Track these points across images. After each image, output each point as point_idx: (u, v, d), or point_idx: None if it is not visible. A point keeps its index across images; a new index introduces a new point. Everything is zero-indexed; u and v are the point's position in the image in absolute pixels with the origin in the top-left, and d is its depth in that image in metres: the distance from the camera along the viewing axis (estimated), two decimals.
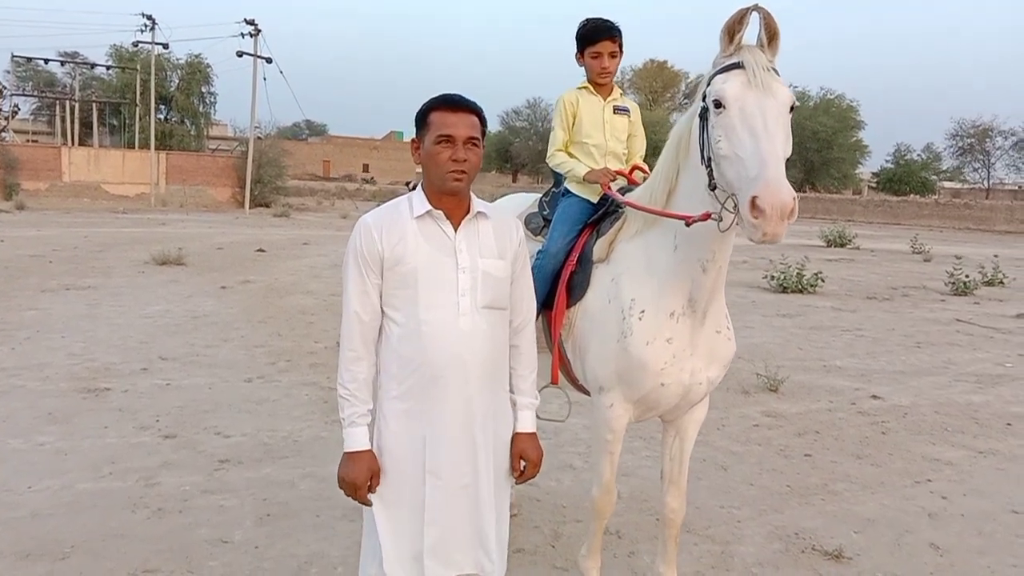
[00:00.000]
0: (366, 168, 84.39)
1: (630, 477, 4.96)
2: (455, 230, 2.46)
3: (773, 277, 14.19)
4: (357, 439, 2.39)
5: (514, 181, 77.95)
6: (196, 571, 3.66)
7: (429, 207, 2.43)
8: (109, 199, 38.72)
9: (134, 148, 45.20)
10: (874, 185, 70.25)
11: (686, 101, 68.32)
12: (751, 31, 2.61)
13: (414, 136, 2.51)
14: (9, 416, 5.74)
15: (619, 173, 3.45)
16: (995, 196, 60.75)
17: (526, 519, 4.30)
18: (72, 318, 9.53)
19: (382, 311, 2.44)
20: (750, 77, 2.48)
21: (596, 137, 3.56)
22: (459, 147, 2.38)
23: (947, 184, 69.54)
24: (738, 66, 2.52)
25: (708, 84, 2.62)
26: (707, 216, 2.70)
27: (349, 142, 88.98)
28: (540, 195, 3.87)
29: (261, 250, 18.30)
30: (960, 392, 7.58)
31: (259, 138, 41.69)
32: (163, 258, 14.86)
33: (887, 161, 69.03)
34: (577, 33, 3.54)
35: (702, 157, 2.67)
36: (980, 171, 66.59)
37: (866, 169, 71.56)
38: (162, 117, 53.97)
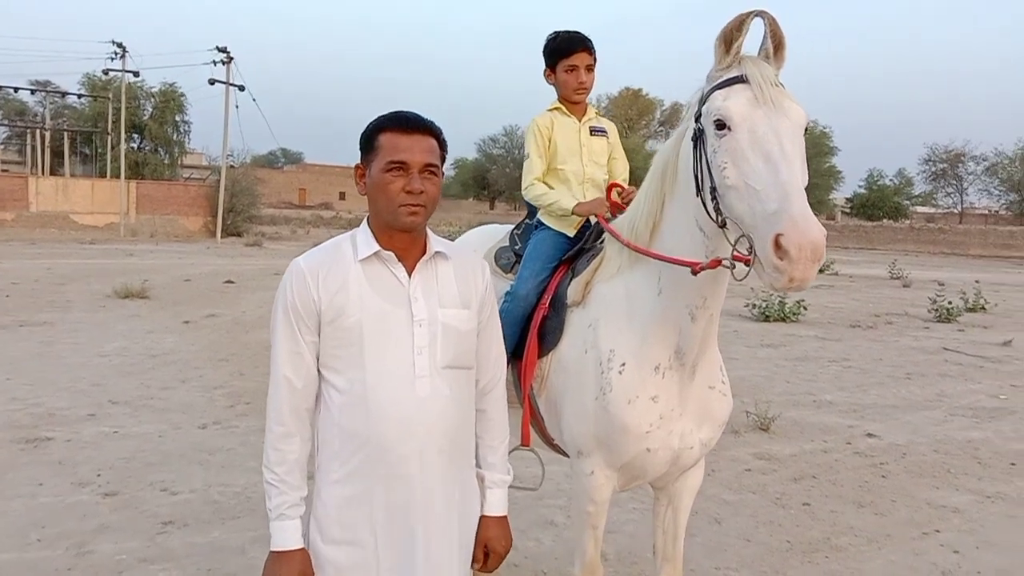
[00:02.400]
0: (343, 196, 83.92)
1: (615, 535, 4.53)
2: (409, 275, 2.04)
3: (755, 306, 13.87)
4: (287, 535, 1.95)
5: (491, 208, 77.82)
6: None
7: (377, 247, 2.02)
8: (77, 229, 37.89)
9: (106, 177, 44.45)
10: (848, 210, 70.82)
11: (661, 128, 68.72)
12: (750, 41, 2.24)
13: (358, 162, 2.10)
14: None
15: (615, 205, 3.03)
16: (968, 220, 61.40)
17: None
18: (22, 358, 8.98)
19: (319, 374, 2.02)
20: (757, 93, 2.10)
21: (573, 163, 3.16)
22: (414, 176, 1.98)
23: (920, 209, 70.26)
24: (740, 80, 2.14)
25: (704, 102, 2.23)
26: (717, 263, 2.28)
27: (325, 170, 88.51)
28: (512, 227, 3.46)
29: (230, 281, 17.75)
30: (958, 428, 7.23)
31: (232, 166, 41.15)
32: (126, 291, 14.28)
33: (860, 186, 69.73)
34: (546, 47, 3.16)
35: (698, 187, 2.27)
36: (953, 196, 67.40)
37: (840, 195, 72.18)
38: (135, 146, 53.26)
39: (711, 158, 2.17)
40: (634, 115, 79.55)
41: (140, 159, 52.12)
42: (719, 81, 2.21)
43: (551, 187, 3.18)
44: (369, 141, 2.05)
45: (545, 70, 3.17)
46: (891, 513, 5.10)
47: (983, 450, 6.57)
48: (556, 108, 3.19)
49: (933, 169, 65.90)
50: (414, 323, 2.01)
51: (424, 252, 2.08)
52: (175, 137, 57.65)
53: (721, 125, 2.12)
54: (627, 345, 2.62)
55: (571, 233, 3.08)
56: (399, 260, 2.04)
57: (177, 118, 56.88)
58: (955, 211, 66.65)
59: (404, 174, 1.99)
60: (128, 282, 14.74)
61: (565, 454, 3.02)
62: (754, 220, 2.01)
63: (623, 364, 2.61)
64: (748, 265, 2.13)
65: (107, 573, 3.94)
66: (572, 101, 3.15)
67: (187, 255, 26.78)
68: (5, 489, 4.98)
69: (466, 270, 2.16)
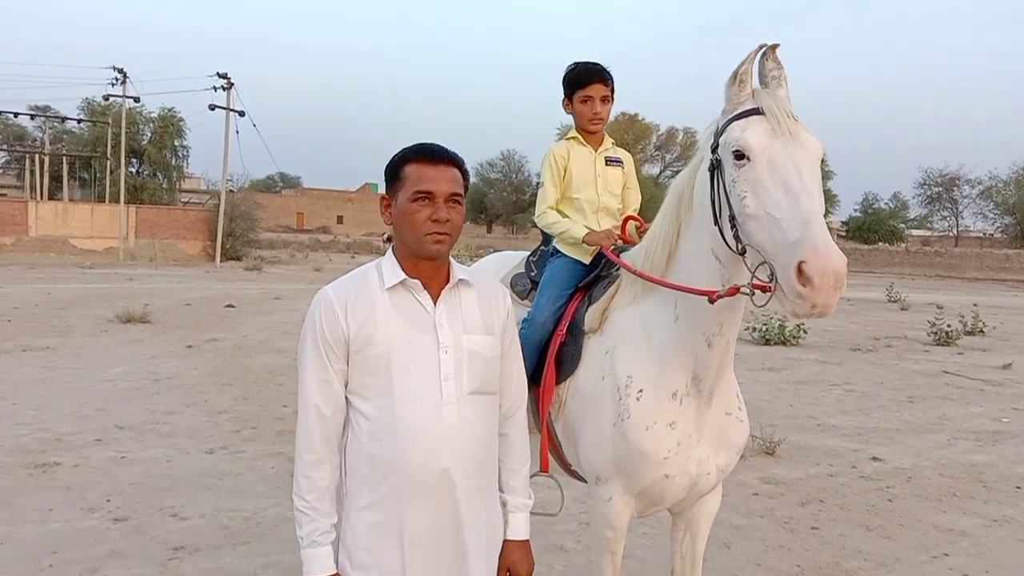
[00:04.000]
0: (340, 220, 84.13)
1: (627, 559, 4.52)
2: (434, 302, 2.09)
3: (755, 329, 13.90)
4: (320, 562, 1.97)
5: (488, 231, 77.97)
6: None
7: (403, 276, 2.07)
8: (77, 254, 37.91)
9: (105, 202, 44.53)
10: (843, 234, 71.04)
11: (657, 153, 69.05)
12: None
13: (384, 192, 2.15)
14: None
15: (622, 238, 3.09)
16: (963, 243, 61.66)
17: None
18: (26, 382, 8.98)
19: (347, 402, 2.06)
20: (774, 124, 2.15)
21: (588, 192, 3.21)
22: (440, 206, 2.03)
23: (915, 232, 70.51)
24: (757, 112, 2.20)
25: (720, 133, 2.29)
26: (735, 291, 2.32)
27: (323, 194, 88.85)
28: (527, 254, 3.51)
29: (230, 305, 17.77)
30: (961, 452, 7.25)
31: (231, 191, 41.25)
32: (127, 316, 14.29)
33: (855, 210, 69.94)
34: (565, 77, 3.22)
35: (716, 216, 2.32)
36: (948, 219, 67.66)
37: (835, 218, 72.41)
38: (134, 171, 53.40)
39: (730, 188, 2.22)
40: (630, 139, 79.94)
41: (138, 183, 52.26)
42: (736, 113, 2.26)
43: (565, 215, 3.23)
44: (395, 172, 2.10)
45: (564, 99, 3.23)
46: (899, 537, 5.12)
47: (988, 474, 6.59)
48: (573, 137, 3.25)
49: (928, 192, 66.24)
50: (440, 350, 2.05)
51: (448, 280, 2.13)
52: (174, 162, 57.85)
53: (740, 155, 2.17)
54: (644, 372, 2.66)
55: (587, 260, 3.12)
56: (424, 288, 2.09)
57: (176, 143, 57.11)
58: (951, 234, 66.95)
59: (430, 203, 2.03)
60: (129, 306, 14.74)
61: (583, 479, 3.05)
62: (775, 248, 2.05)
63: (641, 391, 2.64)
64: (766, 292, 2.17)
65: None
66: (588, 131, 3.21)
67: (187, 279, 26.79)
68: (15, 515, 4.98)
69: (488, 297, 2.20)
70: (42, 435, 6.83)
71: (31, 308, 16.20)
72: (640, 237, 3.09)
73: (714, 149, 2.32)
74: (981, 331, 16.14)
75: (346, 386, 2.05)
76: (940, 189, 65.10)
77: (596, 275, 3.05)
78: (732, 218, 2.21)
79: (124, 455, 6.33)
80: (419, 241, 2.04)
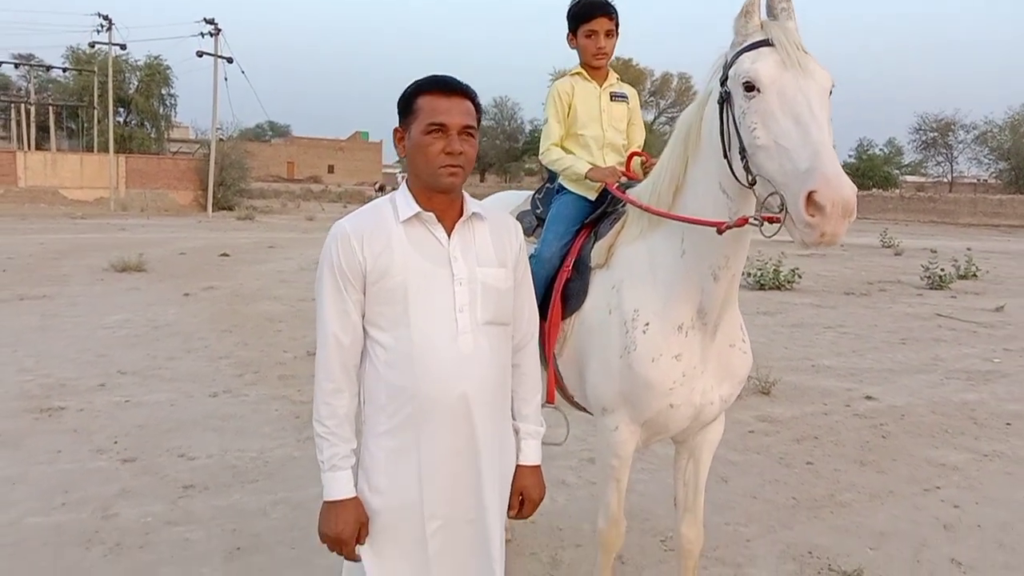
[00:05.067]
0: (331, 169, 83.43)
1: (628, 493, 4.59)
2: (448, 235, 2.11)
3: (750, 274, 13.97)
4: (340, 485, 2.03)
5: (482, 180, 77.48)
6: None
7: (418, 209, 2.08)
8: (67, 204, 37.61)
9: (93, 152, 44.04)
10: None
11: (651, 99, 68.32)
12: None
13: (397, 125, 2.15)
14: None
15: (625, 174, 3.10)
16: (957, 189, 61.64)
17: (522, 545, 3.96)
18: (25, 330, 9.00)
19: (365, 332, 2.09)
20: (784, 56, 2.15)
21: (593, 128, 3.21)
22: (453, 138, 2.04)
23: (910, 178, 70.37)
24: (767, 43, 2.19)
25: (730, 65, 2.28)
26: (744, 221, 2.34)
27: (314, 143, 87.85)
28: (532, 193, 3.52)
29: (225, 254, 17.73)
30: (954, 390, 7.38)
31: (221, 140, 40.84)
32: (123, 264, 14.27)
33: (850, 156, 69.65)
34: (569, 11, 3.19)
35: (725, 148, 2.33)
36: (943, 165, 67.51)
37: None
38: (121, 120, 52.73)
39: (739, 119, 2.22)
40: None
41: (127, 133, 51.68)
42: (745, 44, 2.25)
43: (570, 151, 3.23)
44: (408, 104, 2.09)
45: (568, 34, 3.20)
46: (892, 471, 5.24)
47: (979, 411, 6.71)
48: (577, 73, 3.24)
49: (923, 138, 65.93)
50: (455, 282, 2.08)
51: (461, 213, 2.14)
52: (161, 111, 57.16)
53: (750, 87, 2.17)
54: (651, 305, 2.70)
55: (592, 197, 3.14)
56: (439, 221, 2.11)
57: (163, 91, 56.34)
58: (945, 180, 66.84)
59: (443, 136, 2.04)
60: (124, 256, 14.70)
61: (586, 411, 3.11)
62: (785, 178, 2.06)
63: (647, 324, 2.68)
64: (774, 223, 2.19)
65: (134, 535, 4.02)
66: (592, 66, 3.20)
67: (179, 229, 26.67)
68: (25, 456, 5.05)
69: (501, 230, 2.22)
70: (45, 381, 6.89)
71: (24, 258, 16.14)
72: (645, 173, 3.10)
73: (723, 81, 2.32)
74: (974, 275, 16.27)
75: (363, 317, 2.08)
76: (935, 134, 64.80)
77: (602, 211, 3.07)
78: (742, 150, 2.22)
79: (128, 399, 6.40)
80: (433, 174, 2.05)
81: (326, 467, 2.04)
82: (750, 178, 2.22)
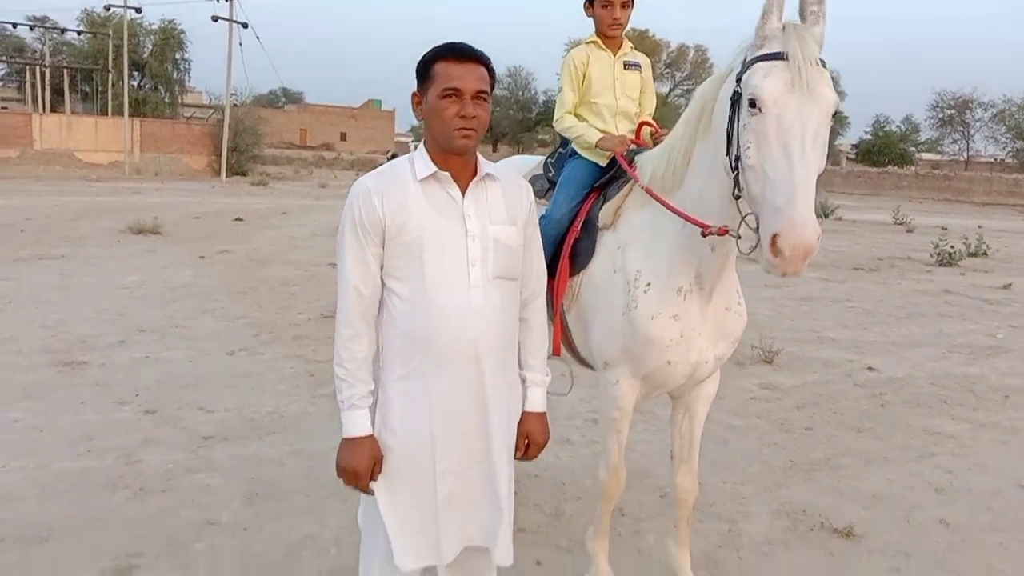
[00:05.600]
0: (343, 137, 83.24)
1: (629, 452, 4.73)
2: (462, 194, 2.24)
3: None
4: (358, 423, 2.19)
5: (494, 151, 77.24)
6: (182, 556, 3.46)
7: (434, 168, 2.21)
8: (82, 167, 37.86)
9: (107, 115, 44.19)
10: (852, 156, 70.37)
11: (667, 70, 67.77)
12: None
13: (415, 89, 2.28)
14: None
15: (635, 142, 3.23)
16: (973, 168, 61.11)
17: (526, 497, 4.13)
18: (45, 289, 9.21)
19: (382, 284, 2.24)
20: (794, 75, 2.18)
21: (606, 97, 3.33)
22: (467, 102, 2.16)
23: (925, 156, 69.80)
24: (781, 57, 2.22)
25: (745, 68, 2.32)
26: (725, 232, 2.51)
27: (326, 110, 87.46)
28: (544, 157, 3.65)
29: (239, 219, 17.92)
30: (955, 364, 7.50)
31: (235, 105, 40.89)
32: (138, 227, 14.47)
33: (866, 132, 69.17)
34: None
35: (728, 147, 2.41)
36: (959, 143, 66.91)
37: (845, 140, 71.61)
38: (135, 84, 52.77)
39: (741, 130, 2.31)
40: None
41: (140, 97, 51.72)
42: (762, 53, 2.28)
43: (583, 119, 3.35)
44: (425, 70, 2.22)
45: (584, 3, 3.31)
46: (889, 438, 5.39)
47: (979, 384, 6.84)
48: (592, 42, 3.34)
49: (940, 115, 65.30)
50: (468, 238, 2.22)
51: (475, 173, 2.27)
52: (175, 75, 57.13)
53: (753, 103, 2.24)
54: (652, 268, 2.84)
55: (603, 163, 3.26)
56: (454, 180, 2.24)
57: (177, 56, 56.29)
58: (960, 158, 66.28)
59: (458, 100, 2.16)
60: (139, 219, 14.91)
61: (590, 367, 3.26)
62: (762, 206, 2.20)
63: (648, 284, 2.82)
64: (733, 237, 2.41)
65: (156, 481, 4.22)
66: (607, 36, 3.30)
67: (193, 193, 26.87)
68: (50, 407, 5.25)
69: (512, 191, 2.35)
70: (66, 337, 7.09)
71: (42, 219, 16.37)
72: (655, 143, 3.21)
73: (739, 80, 2.36)
74: (984, 253, 16.27)
75: (382, 269, 2.22)
76: (952, 112, 64.15)
77: (611, 175, 3.20)
78: (737, 158, 2.33)
79: (147, 356, 6.59)
80: (448, 136, 2.18)
81: (345, 406, 2.20)
82: (736, 191, 2.36)
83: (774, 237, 2.10)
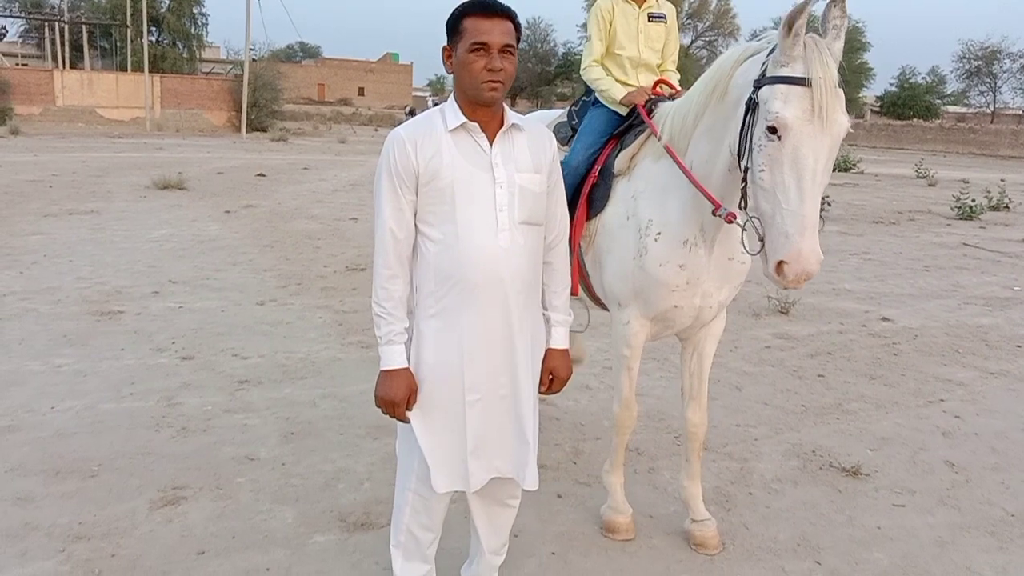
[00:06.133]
0: (361, 92, 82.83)
1: (646, 397, 4.99)
2: (490, 144, 2.39)
3: None
4: (394, 357, 2.37)
5: (513, 105, 76.66)
6: (225, 487, 3.70)
7: (464, 119, 2.36)
8: (104, 123, 38.11)
9: (126, 71, 44.27)
10: (877, 109, 69.27)
11: (689, 21, 66.67)
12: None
13: (445, 44, 2.42)
14: (24, 339, 5.75)
15: (654, 91, 3.36)
16: (999, 120, 60.07)
17: (547, 438, 4.34)
18: (77, 243, 9.47)
19: (416, 228, 2.40)
20: (815, 104, 2.29)
21: (630, 49, 3.46)
22: (494, 56, 2.29)
23: (951, 108, 68.60)
24: (803, 83, 2.31)
25: (764, 79, 2.42)
26: (732, 218, 2.72)
27: (344, 64, 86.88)
28: (568, 106, 3.79)
29: (261, 175, 18.10)
30: (969, 315, 7.60)
31: (254, 60, 40.82)
32: (164, 183, 14.70)
33: (891, 84, 68.00)
34: None
35: (740, 149, 2.54)
36: (986, 94, 65.66)
37: (870, 93, 70.43)
38: (153, 40, 52.67)
39: (755, 147, 2.43)
40: None
41: (159, 53, 51.61)
42: (785, 74, 2.36)
43: (608, 70, 3.47)
44: (455, 25, 2.35)
45: None
46: (900, 385, 5.54)
47: (992, 334, 6.95)
48: None
49: (967, 67, 64.04)
50: (496, 185, 2.37)
51: (502, 124, 2.42)
52: (193, 30, 56.90)
53: (772, 130, 2.35)
54: (662, 218, 3.01)
55: (623, 112, 3.40)
56: (482, 130, 2.39)
57: (195, 10, 56.01)
58: (987, 111, 65.09)
59: (486, 54, 2.29)
60: (164, 174, 15.12)
61: (604, 307, 3.45)
62: (770, 224, 2.38)
63: (659, 233, 3.00)
64: (737, 225, 2.70)
65: (197, 421, 4.46)
66: None
67: (215, 149, 27.05)
68: (92, 353, 5.51)
69: (537, 140, 2.50)
70: (101, 288, 7.34)
71: (68, 176, 16.63)
72: (670, 98, 3.34)
73: (758, 87, 2.45)
74: (1006, 207, 16.20)
75: (415, 215, 2.38)
76: (980, 63, 62.87)
77: (629, 124, 3.34)
78: (748, 170, 2.49)
79: (181, 306, 6.83)
80: (476, 88, 2.32)
81: (383, 341, 2.38)
82: (744, 203, 2.56)
83: (780, 263, 2.32)
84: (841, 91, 2.36)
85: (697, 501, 3.40)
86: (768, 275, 2.40)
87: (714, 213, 2.78)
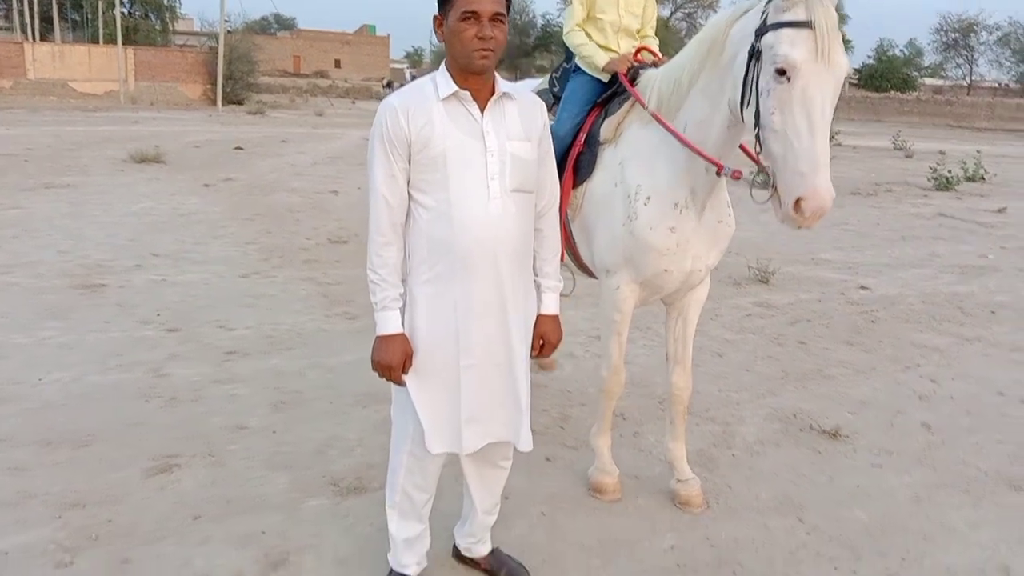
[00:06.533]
0: (338, 64, 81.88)
1: (630, 365, 5.02)
2: (482, 112, 2.42)
3: (753, 174, 14.11)
4: (390, 322, 2.41)
5: None
6: (217, 455, 3.74)
7: (455, 88, 2.38)
8: (77, 97, 37.45)
9: (99, 44, 43.47)
10: (855, 81, 69.40)
11: None
12: None
13: (436, 13, 2.43)
14: (8, 312, 5.72)
15: (636, 60, 3.38)
16: (976, 93, 60.51)
17: (535, 403, 4.27)
18: (56, 216, 9.37)
19: (409, 196, 2.43)
20: (819, 45, 2.36)
21: (611, 13, 3.48)
22: (485, 24, 2.31)
23: (928, 81, 68.92)
24: (807, 26, 2.38)
25: (767, 26, 2.46)
26: (738, 175, 2.77)
27: (320, 36, 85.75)
28: (551, 73, 3.81)
29: (239, 148, 17.93)
30: (945, 283, 7.75)
31: (229, 32, 40.21)
32: (141, 156, 14.52)
33: (869, 57, 68.09)
34: None
35: (743, 102, 2.60)
36: (963, 67, 66.06)
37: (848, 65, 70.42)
38: (126, 11, 51.73)
39: (762, 92, 2.48)
40: None
41: (131, 25, 50.73)
42: (788, 19, 2.42)
43: (590, 35, 3.49)
44: None
45: None
46: (878, 351, 5.66)
47: (967, 302, 7.09)
48: None
49: (944, 39, 64.35)
50: (487, 153, 2.40)
51: (493, 92, 2.45)
52: (165, 2, 55.95)
53: (781, 72, 2.40)
54: (651, 183, 3.06)
55: (605, 79, 3.42)
56: (473, 99, 2.41)
57: None
58: (963, 83, 65.54)
59: (476, 22, 2.31)
60: (141, 148, 14.94)
61: (591, 274, 3.50)
62: (784, 166, 2.43)
63: (648, 198, 3.05)
64: (745, 181, 2.71)
65: (186, 391, 4.48)
66: None
67: (191, 123, 26.70)
68: (76, 326, 5.50)
69: (528, 109, 2.53)
70: (83, 261, 7.29)
71: (43, 149, 16.38)
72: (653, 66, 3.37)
73: (758, 34, 2.51)
74: (982, 178, 16.35)
75: (408, 182, 2.41)
76: (957, 35, 63.20)
77: (612, 91, 3.37)
78: (757, 115, 2.52)
79: (164, 279, 6.81)
80: (467, 56, 2.34)
81: (378, 308, 2.42)
82: (758, 148, 2.56)
83: (798, 200, 2.38)
84: (840, 33, 2.44)
85: (682, 462, 3.48)
86: (785, 216, 2.46)
87: (718, 174, 2.84)
